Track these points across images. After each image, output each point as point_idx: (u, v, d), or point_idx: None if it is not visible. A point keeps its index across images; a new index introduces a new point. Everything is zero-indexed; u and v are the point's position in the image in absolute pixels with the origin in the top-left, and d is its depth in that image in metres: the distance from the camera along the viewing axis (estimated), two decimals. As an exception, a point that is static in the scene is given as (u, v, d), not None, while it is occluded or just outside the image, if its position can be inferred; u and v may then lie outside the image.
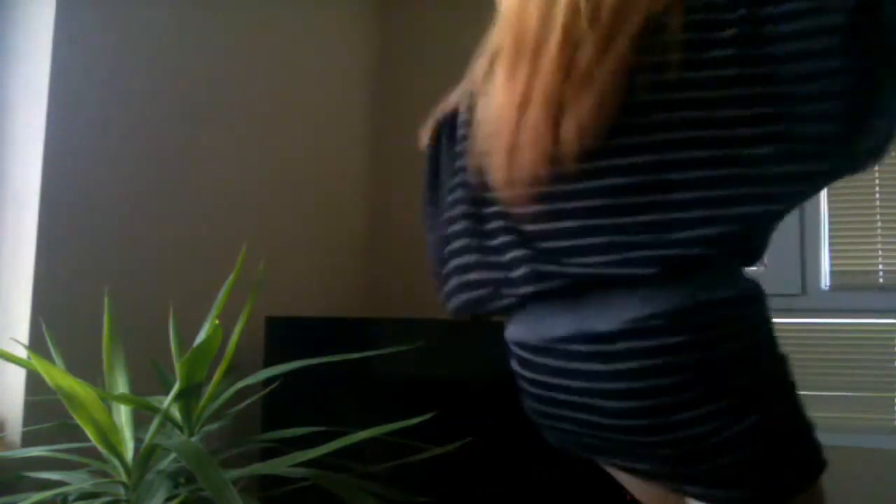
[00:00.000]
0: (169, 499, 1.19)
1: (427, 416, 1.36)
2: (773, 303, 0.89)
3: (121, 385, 1.32)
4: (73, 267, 1.54)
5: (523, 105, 0.88)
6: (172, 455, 1.27)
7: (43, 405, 1.38)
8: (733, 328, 0.83)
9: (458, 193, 1.02)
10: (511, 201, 0.92)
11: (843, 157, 0.83)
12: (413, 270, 2.49)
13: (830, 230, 2.25)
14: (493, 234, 0.95)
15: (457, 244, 1.02)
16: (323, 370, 1.53)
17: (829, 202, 2.26)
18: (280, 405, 1.78)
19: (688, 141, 0.82)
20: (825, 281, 2.24)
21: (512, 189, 0.91)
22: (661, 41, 0.81)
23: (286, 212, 2.15)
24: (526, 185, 0.89)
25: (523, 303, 0.93)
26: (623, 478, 1.00)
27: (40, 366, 1.12)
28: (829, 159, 0.82)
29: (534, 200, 0.89)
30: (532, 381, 0.94)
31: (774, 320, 0.87)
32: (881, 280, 2.22)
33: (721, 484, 0.85)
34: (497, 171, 0.92)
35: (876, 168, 2.25)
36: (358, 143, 2.54)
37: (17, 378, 1.46)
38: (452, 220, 1.03)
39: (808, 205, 2.18)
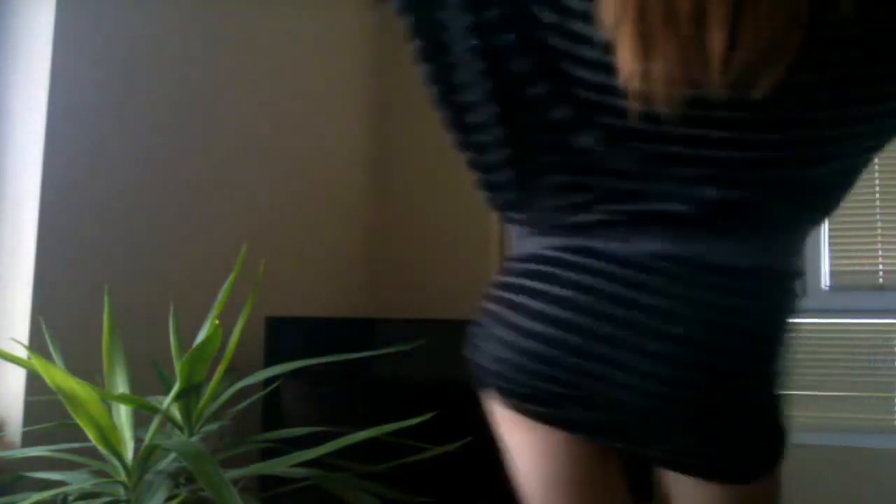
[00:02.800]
0: (169, 499, 1.19)
1: (427, 416, 1.36)
2: (773, 303, 0.89)
3: (121, 385, 1.32)
4: (73, 267, 1.54)
5: None
6: (172, 455, 1.27)
7: (43, 405, 1.38)
8: (793, 300, 0.86)
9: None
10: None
11: None
12: (413, 270, 2.50)
13: (830, 230, 2.25)
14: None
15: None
16: (323, 370, 1.54)
17: (829, 202, 2.26)
18: (280, 405, 1.78)
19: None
20: (825, 281, 2.24)
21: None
22: None
23: (286, 212, 2.15)
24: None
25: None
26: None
27: (40, 366, 1.12)
28: None
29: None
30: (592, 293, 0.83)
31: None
32: (881, 280, 2.22)
33: (731, 457, 0.87)
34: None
35: (876, 168, 2.25)
36: (358, 142, 2.54)
37: (17, 378, 1.46)
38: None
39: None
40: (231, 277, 1.35)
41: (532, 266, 0.89)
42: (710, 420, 0.84)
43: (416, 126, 2.50)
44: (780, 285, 0.85)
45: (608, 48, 0.76)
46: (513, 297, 0.89)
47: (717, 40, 0.72)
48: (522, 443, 0.96)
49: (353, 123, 2.53)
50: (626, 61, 0.75)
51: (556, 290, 0.84)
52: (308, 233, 2.24)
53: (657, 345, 0.80)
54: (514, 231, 0.97)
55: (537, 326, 0.85)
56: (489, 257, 2.47)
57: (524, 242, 0.93)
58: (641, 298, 0.81)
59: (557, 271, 0.85)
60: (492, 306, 0.93)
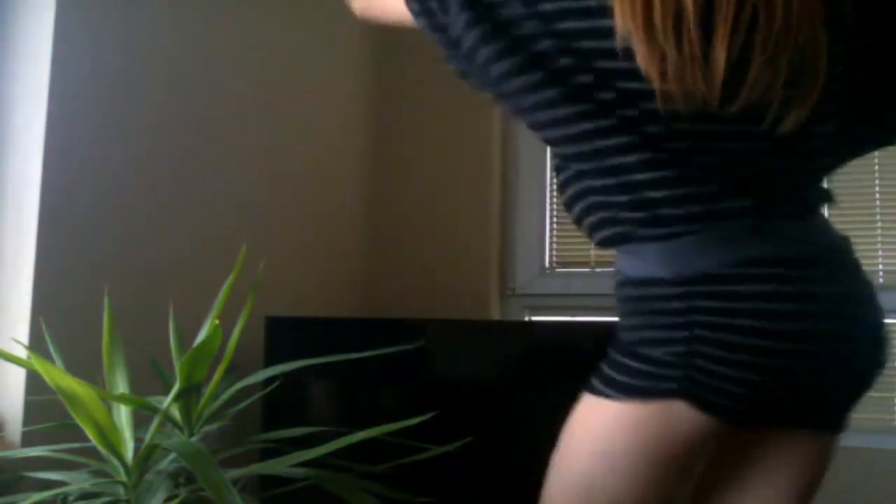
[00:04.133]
0: (169, 499, 1.19)
1: (427, 416, 1.36)
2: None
3: (121, 385, 1.32)
4: (73, 267, 1.54)
5: None
6: (172, 455, 1.27)
7: (43, 405, 1.38)
8: None
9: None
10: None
11: None
12: (413, 270, 2.50)
13: (830, 230, 2.24)
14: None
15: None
16: (323, 370, 1.53)
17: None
18: (280, 405, 1.78)
19: None
20: (825, 281, 2.24)
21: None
22: None
23: (286, 212, 2.15)
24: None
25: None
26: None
27: (40, 366, 1.12)
28: None
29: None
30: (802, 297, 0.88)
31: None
32: (881, 280, 2.22)
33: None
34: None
35: (876, 168, 2.25)
36: (358, 142, 2.54)
37: (17, 378, 1.46)
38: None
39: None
40: (231, 277, 1.35)
41: (720, 287, 0.88)
42: (869, 385, 0.96)
43: (416, 126, 2.51)
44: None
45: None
46: (728, 319, 0.87)
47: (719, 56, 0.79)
48: (696, 454, 0.95)
49: (353, 123, 2.53)
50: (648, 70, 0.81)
51: (786, 306, 0.88)
52: (308, 233, 2.24)
53: (863, 326, 0.92)
54: (641, 252, 0.93)
55: (781, 346, 0.88)
56: (489, 257, 2.47)
57: (681, 260, 0.91)
58: (835, 291, 0.90)
59: (774, 287, 0.88)
60: (703, 332, 0.88)
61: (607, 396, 0.92)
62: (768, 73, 0.79)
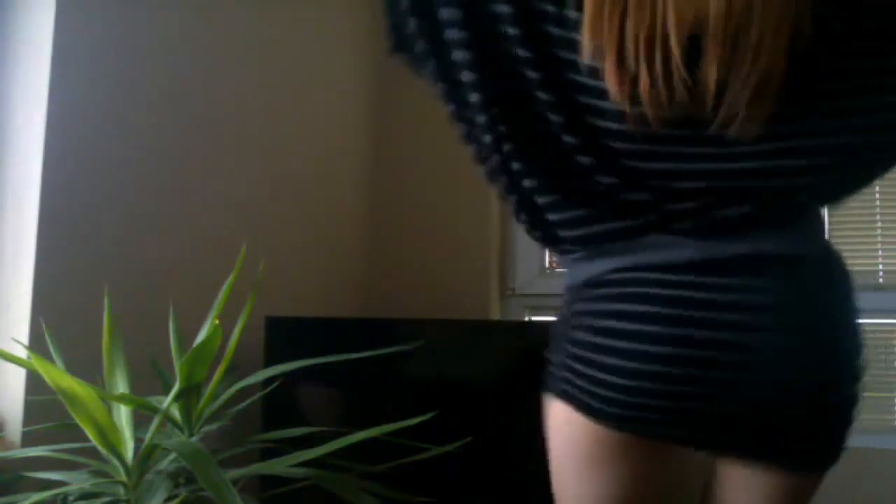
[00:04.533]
0: (169, 499, 1.19)
1: (427, 416, 1.36)
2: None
3: (121, 385, 1.32)
4: (73, 267, 1.54)
5: None
6: (172, 455, 1.27)
7: (43, 405, 1.38)
8: None
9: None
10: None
11: None
12: (413, 270, 2.50)
13: (830, 230, 2.24)
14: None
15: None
16: (323, 370, 1.53)
17: (829, 202, 2.26)
18: (280, 405, 1.78)
19: None
20: (825, 281, 2.24)
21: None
22: None
23: (286, 212, 2.15)
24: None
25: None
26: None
27: (40, 366, 1.12)
28: None
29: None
30: (693, 303, 0.85)
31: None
32: (881, 280, 2.22)
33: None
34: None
35: (876, 168, 2.24)
36: (358, 142, 2.54)
37: (17, 378, 1.46)
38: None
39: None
40: (231, 277, 1.35)
41: (611, 290, 0.89)
42: (824, 411, 0.87)
43: (416, 125, 2.50)
44: (840, 269, 0.90)
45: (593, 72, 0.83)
46: (611, 323, 0.88)
47: (710, 77, 0.79)
48: (614, 456, 0.93)
49: (353, 123, 2.53)
50: (613, 86, 0.82)
51: (656, 308, 0.85)
52: (308, 233, 2.24)
53: (777, 339, 0.83)
54: (562, 259, 0.99)
55: (651, 348, 0.84)
56: (489, 258, 2.47)
57: (579, 268, 0.94)
58: (744, 299, 0.84)
59: (647, 290, 0.86)
60: (584, 335, 0.90)
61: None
62: (744, 91, 0.80)
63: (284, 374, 1.50)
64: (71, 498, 1.22)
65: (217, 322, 1.20)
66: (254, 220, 2.00)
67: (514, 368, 1.90)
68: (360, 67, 2.56)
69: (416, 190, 2.53)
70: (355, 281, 2.48)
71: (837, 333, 0.87)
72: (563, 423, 0.94)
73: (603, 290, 0.89)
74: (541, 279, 2.50)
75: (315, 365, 1.48)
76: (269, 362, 1.76)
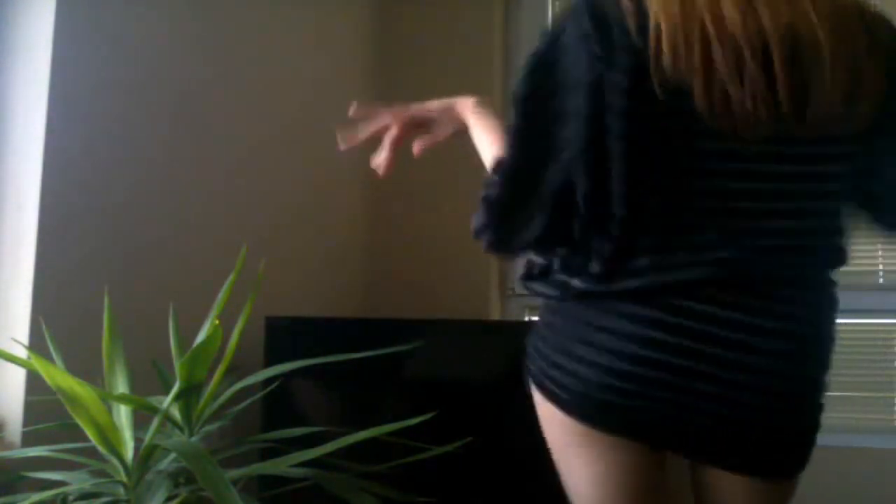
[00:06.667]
0: (169, 499, 1.19)
1: (427, 416, 1.36)
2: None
3: (121, 385, 1.32)
4: (73, 267, 1.53)
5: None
6: (172, 455, 1.27)
7: (43, 405, 1.38)
8: None
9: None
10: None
11: None
12: (413, 270, 2.50)
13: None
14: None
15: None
16: (322, 370, 1.53)
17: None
18: (280, 405, 1.78)
19: None
20: (825, 281, 2.24)
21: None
22: None
23: (286, 211, 2.15)
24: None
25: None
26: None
27: (40, 366, 1.12)
28: None
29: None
30: (677, 330, 0.89)
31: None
32: (881, 280, 2.22)
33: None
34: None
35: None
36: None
37: (17, 378, 1.46)
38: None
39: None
40: (231, 277, 1.35)
41: (605, 303, 0.93)
42: (792, 422, 0.92)
43: (416, 126, 2.50)
44: (829, 291, 0.95)
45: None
46: (598, 320, 0.93)
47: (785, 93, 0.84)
48: (595, 456, 0.98)
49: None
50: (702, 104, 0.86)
51: (638, 328, 0.90)
52: (308, 233, 2.24)
53: (752, 359, 0.87)
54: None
55: (631, 348, 0.89)
56: (489, 257, 2.47)
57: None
58: (728, 316, 0.87)
59: (640, 310, 0.90)
60: (562, 322, 0.98)
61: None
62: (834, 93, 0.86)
63: (284, 374, 1.50)
64: (71, 498, 1.22)
65: (217, 322, 1.20)
66: (254, 220, 2.00)
67: (514, 368, 1.89)
68: (360, 67, 2.56)
69: (416, 190, 2.52)
70: (355, 281, 2.48)
71: (814, 350, 0.92)
72: (547, 414, 1.00)
73: (603, 304, 0.93)
74: (541, 279, 2.50)
75: (315, 365, 1.48)
76: (269, 362, 1.76)
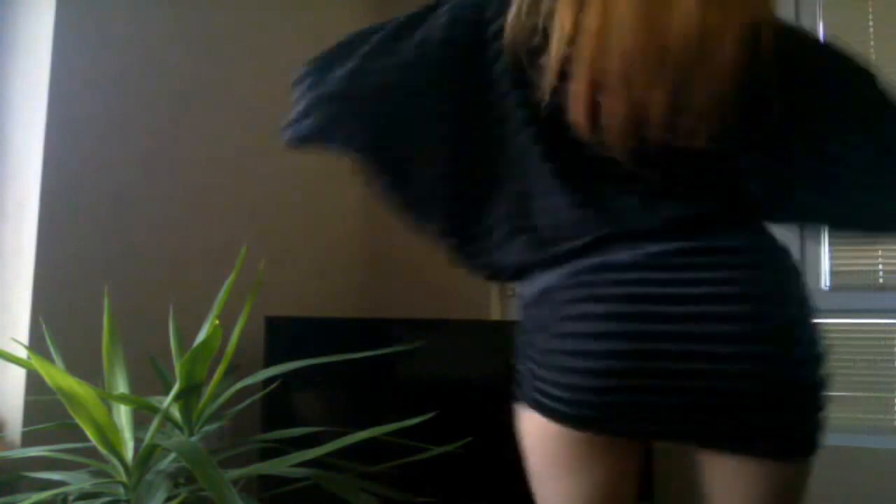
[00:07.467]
0: (169, 499, 1.19)
1: (427, 416, 1.36)
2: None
3: (121, 385, 1.32)
4: (73, 267, 1.54)
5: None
6: (172, 455, 1.27)
7: (43, 405, 1.38)
8: None
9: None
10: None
11: None
12: (413, 270, 2.50)
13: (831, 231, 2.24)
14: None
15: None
16: (323, 370, 1.53)
17: (829, 202, 2.26)
18: (280, 405, 1.78)
19: None
20: (825, 281, 2.24)
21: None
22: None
23: (286, 212, 2.15)
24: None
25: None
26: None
27: (40, 366, 1.12)
28: None
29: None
30: (633, 300, 0.87)
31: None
32: (881, 280, 2.22)
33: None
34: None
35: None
36: (358, 143, 2.54)
37: (17, 378, 1.46)
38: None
39: (808, 205, 2.18)
40: (231, 277, 1.35)
41: (566, 294, 0.91)
42: (784, 393, 0.88)
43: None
44: (785, 257, 0.93)
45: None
46: (564, 325, 0.91)
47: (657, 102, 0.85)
48: (573, 455, 0.96)
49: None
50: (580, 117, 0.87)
51: (602, 307, 0.88)
52: (308, 233, 2.24)
53: (726, 327, 0.85)
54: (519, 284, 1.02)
55: (602, 345, 0.87)
56: (489, 257, 2.46)
57: (538, 279, 0.97)
58: (689, 290, 0.86)
59: (594, 291, 0.89)
60: (544, 342, 0.94)
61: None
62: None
63: (284, 374, 1.50)
64: (71, 498, 1.22)
65: (217, 322, 1.20)
66: (254, 220, 2.00)
67: (514, 368, 1.90)
68: (360, 67, 2.56)
69: (416, 190, 2.52)
70: (355, 281, 2.48)
71: (788, 316, 0.89)
72: (534, 429, 0.97)
73: (558, 295, 0.92)
74: (541, 279, 2.50)
75: (315, 365, 1.48)
76: (269, 362, 1.76)
